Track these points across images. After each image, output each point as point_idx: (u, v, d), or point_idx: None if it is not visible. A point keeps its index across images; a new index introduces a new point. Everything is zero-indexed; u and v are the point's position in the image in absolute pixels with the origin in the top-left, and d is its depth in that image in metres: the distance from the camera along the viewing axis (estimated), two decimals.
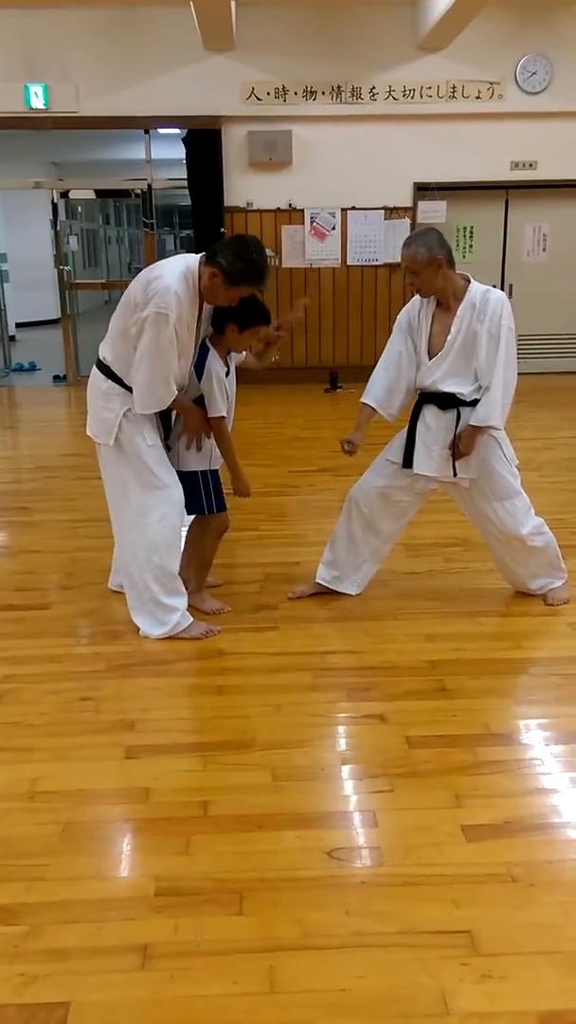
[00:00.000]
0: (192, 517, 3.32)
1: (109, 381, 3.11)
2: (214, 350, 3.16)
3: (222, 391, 3.15)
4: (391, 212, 8.68)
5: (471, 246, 9.03)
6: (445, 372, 3.15)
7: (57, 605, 3.56)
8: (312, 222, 8.67)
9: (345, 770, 2.43)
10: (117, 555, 3.46)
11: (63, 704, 2.76)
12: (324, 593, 3.54)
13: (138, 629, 3.20)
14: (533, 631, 3.27)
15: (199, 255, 3.00)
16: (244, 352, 3.31)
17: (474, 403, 3.13)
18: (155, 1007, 1.64)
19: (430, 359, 3.17)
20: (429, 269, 3.03)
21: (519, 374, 3.13)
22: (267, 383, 7.36)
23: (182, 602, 3.19)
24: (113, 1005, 1.64)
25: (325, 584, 3.52)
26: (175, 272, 2.94)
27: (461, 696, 2.78)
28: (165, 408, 3.09)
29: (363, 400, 3.32)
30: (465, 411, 3.15)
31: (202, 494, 3.25)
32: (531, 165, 8.69)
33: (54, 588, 3.77)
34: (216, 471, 3.31)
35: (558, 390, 8.48)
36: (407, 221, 8.64)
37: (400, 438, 3.32)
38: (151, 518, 3.08)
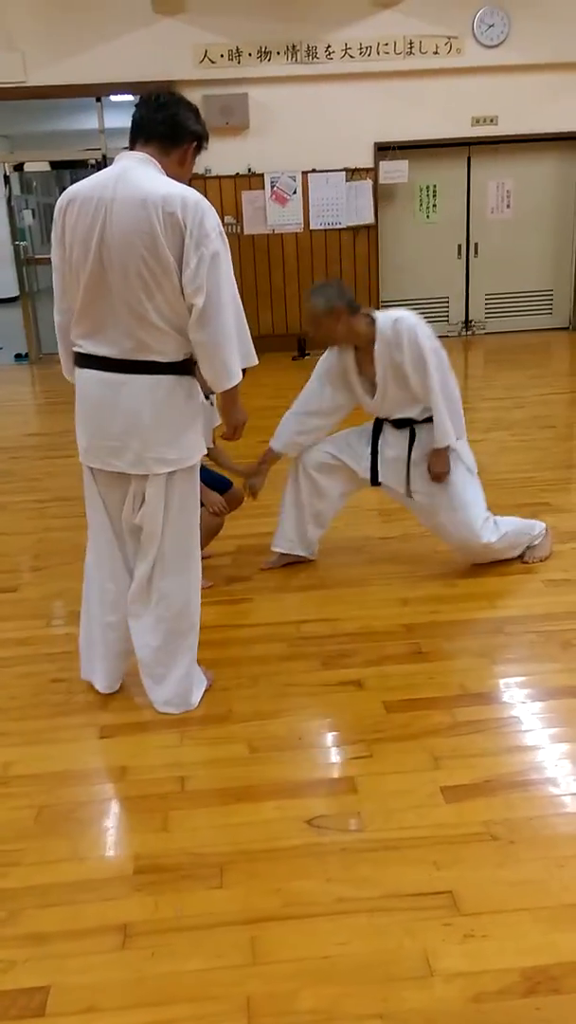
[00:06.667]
0: None
1: None
2: None
3: None
4: (353, 173, 8.54)
5: (435, 205, 8.92)
6: (390, 406, 3.20)
7: (25, 587, 3.50)
8: (273, 187, 8.52)
9: (323, 738, 2.42)
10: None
11: (35, 687, 2.71)
12: (298, 562, 3.51)
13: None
14: (507, 590, 3.26)
15: None
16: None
17: (426, 420, 3.15)
18: (137, 986, 1.62)
19: (371, 399, 3.20)
20: (329, 320, 3.07)
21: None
22: None
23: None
24: (94, 986, 1.62)
25: (281, 550, 3.50)
26: None
27: (437, 658, 2.78)
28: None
29: (271, 444, 3.40)
30: (418, 429, 3.19)
31: None
32: (492, 120, 8.56)
33: (22, 570, 3.71)
34: None
35: (526, 348, 8.43)
36: (369, 182, 8.52)
37: (367, 426, 3.34)
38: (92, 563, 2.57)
